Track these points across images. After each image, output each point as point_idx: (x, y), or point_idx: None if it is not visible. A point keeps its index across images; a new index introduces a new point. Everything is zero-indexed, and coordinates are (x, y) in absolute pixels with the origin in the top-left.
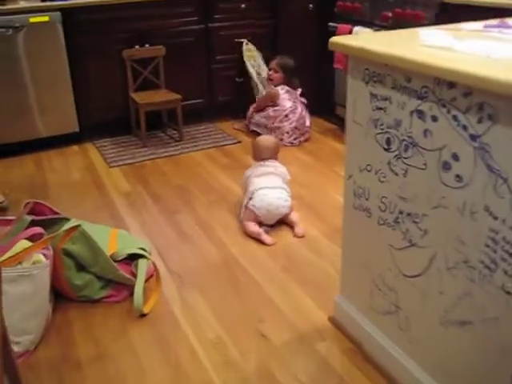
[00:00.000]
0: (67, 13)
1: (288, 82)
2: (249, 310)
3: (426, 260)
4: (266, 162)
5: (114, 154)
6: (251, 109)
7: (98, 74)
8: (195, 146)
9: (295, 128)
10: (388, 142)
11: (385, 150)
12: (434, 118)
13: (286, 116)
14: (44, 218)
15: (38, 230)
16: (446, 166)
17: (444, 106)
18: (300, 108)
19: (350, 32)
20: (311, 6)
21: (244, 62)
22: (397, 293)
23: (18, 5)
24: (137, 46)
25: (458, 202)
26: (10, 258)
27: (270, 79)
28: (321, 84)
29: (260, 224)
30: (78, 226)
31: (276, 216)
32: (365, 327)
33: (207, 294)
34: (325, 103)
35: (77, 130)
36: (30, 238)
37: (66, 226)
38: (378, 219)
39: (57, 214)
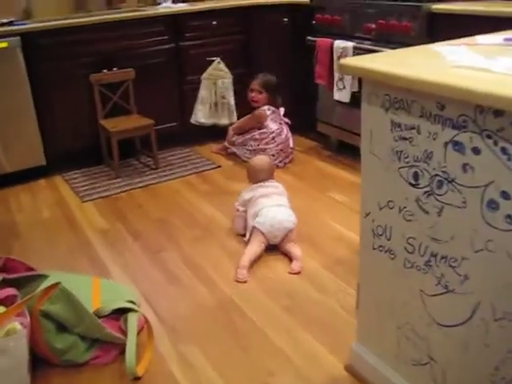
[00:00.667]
0: (28, 37)
1: (272, 101)
2: (254, 363)
3: (467, 309)
4: (266, 183)
5: (85, 187)
6: (231, 131)
7: (64, 101)
8: (172, 173)
9: (281, 150)
10: (416, 176)
11: (411, 185)
12: (476, 151)
13: (273, 139)
14: (17, 276)
15: (11, 291)
16: (493, 206)
17: (489, 137)
18: (285, 129)
19: (331, 46)
20: (286, 19)
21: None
22: (430, 343)
23: None
24: (104, 70)
25: (508, 246)
26: None
27: (253, 101)
28: (300, 100)
29: (266, 248)
30: (58, 283)
31: (281, 231)
32: (391, 379)
33: (206, 346)
34: (305, 120)
35: (43, 163)
36: (2, 302)
37: (44, 284)
38: (405, 262)
39: (31, 269)
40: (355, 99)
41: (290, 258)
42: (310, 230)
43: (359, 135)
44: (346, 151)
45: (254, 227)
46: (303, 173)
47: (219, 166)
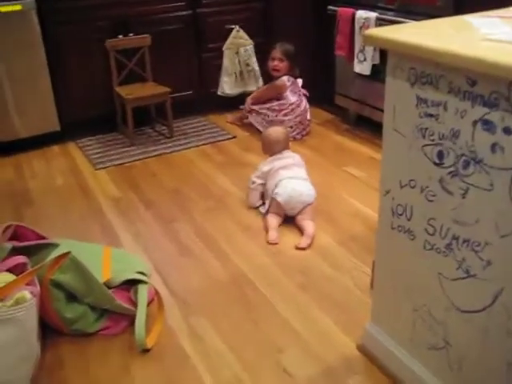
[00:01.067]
0: (42, 0)
1: (292, 70)
2: (266, 339)
3: (488, 295)
4: (284, 154)
5: (99, 155)
6: (249, 100)
7: (79, 66)
8: (187, 142)
9: (299, 122)
10: (440, 155)
11: (435, 164)
12: (508, 131)
13: (292, 110)
14: (27, 244)
15: (21, 259)
16: None
17: None
18: (304, 101)
19: (353, 16)
20: None
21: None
22: (447, 327)
23: None
24: (120, 36)
25: None
26: None
27: (275, 70)
28: (319, 72)
29: (283, 219)
30: (68, 253)
31: (298, 203)
32: (405, 361)
33: (217, 320)
34: (324, 92)
35: (57, 128)
36: (12, 270)
37: (54, 253)
38: (425, 243)
39: (42, 238)
40: (376, 72)
41: (301, 232)
42: (326, 205)
43: (379, 109)
44: (365, 125)
45: (272, 198)
46: (320, 146)
47: (234, 137)
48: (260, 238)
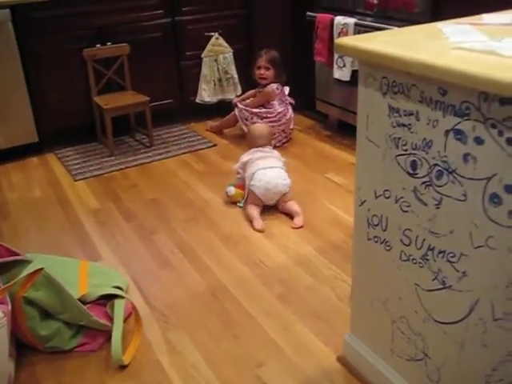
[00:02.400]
0: (18, 10)
1: (278, 77)
2: (245, 353)
3: (464, 306)
4: (264, 148)
5: (78, 165)
6: (237, 100)
7: (57, 76)
8: (167, 151)
9: (282, 131)
10: (414, 165)
11: (409, 174)
12: (479, 141)
13: (278, 120)
14: None
15: None
16: (495, 200)
17: (494, 126)
18: (290, 110)
19: (331, 22)
20: None
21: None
22: (425, 339)
23: None
24: (98, 45)
25: (510, 243)
26: None
27: (262, 78)
28: (300, 78)
29: (262, 210)
30: (41, 269)
31: (275, 195)
32: (384, 373)
33: (196, 334)
34: (304, 98)
35: (36, 139)
36: None
37: (27, 270)
38: (401, 254)
39: (15, 254)
40: (355, 78)
41: (290, 215)
42: (307, 213)
43: None
44: (346, 131)
45: (249, 190)
46: (301, 153)
47: (215, 145)
48: (240, 248)
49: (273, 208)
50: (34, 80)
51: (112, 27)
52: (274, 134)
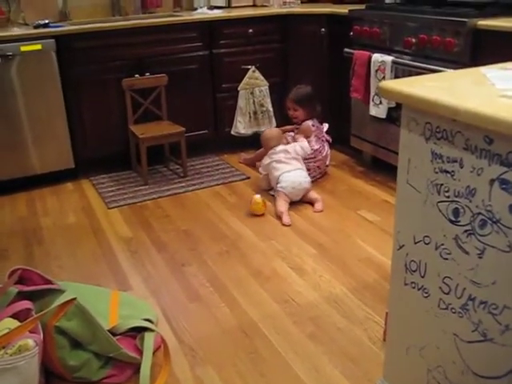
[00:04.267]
0: (62, 40)
1: (311, 113)
2: None
3: (507, 361)
4: (277, 149)
5: (112, 193)
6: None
7: (95, 104)
8: (201, 182)
9: (317, 167)
10: (456, 213)
11: (451, 222)
12: None
13: (314, 157)
14: (33, 289)
15: (26, 304)
16: None
17: None
18: (326, 147)
19: (369, 59)
20: (323, 30)
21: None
22: None
23: (8, 32)
24: (137, 75)
25: None
26: None
27: (292, 117)
28: (335, 113)
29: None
30: (74, 299)
31: (301, 191)
32: None
33: (224, 370)
34: (339, 134)
35: (72, 165)
36: (17, 315)
37: (60, 299)
38: (439, 302)
39: (48, 282)
40: (391, 115)
41: (311, 203)
42: (339, 251)
43: (394, 152)
44: (380, 167)
45: (278, 191)
46: (334, 189)
47: (248, 178)
48: (271, 284)
49: (304, 246)
50: (73, 107)
51: (151, 58)
52: (309, 169)
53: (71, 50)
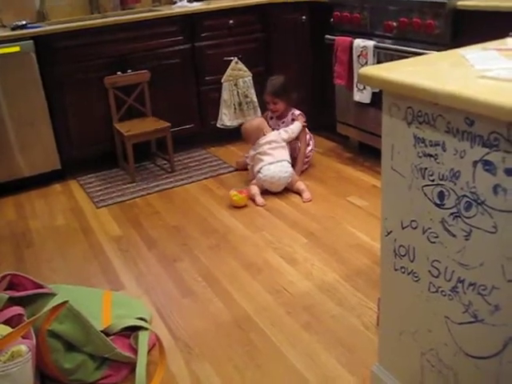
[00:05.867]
0: (41, 41)
1: (289, 103)
2: (270, 383)
3: (498, 341)
4: (261, 140)
5: (100, 192)
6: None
7: (78, 104)
8: (189, 177)
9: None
10: (441, 196)
11: (436, 205)
12: (510, 172)
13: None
14: (24, 294)
15: (17, 310)
16: None
17: None
18: (309, 136)
19: (351, 44)
20: (304, 17)
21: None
22: (457, 373)
23: None
24: (119, 72)
25: None
26: None
27: (272, 111)
28: (319, 100)
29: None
30: (66, 302)
31: (280, 186)
32: None
33: (220, 365)
34: (324, 120)
35: (59, 167)
36: (8, 321)
37: (52, 303)
38: (429, 285)
39: (39, 286)
40: (376, 100)
41: (299, 193)
42: (330, 238)
43: (380, 136)
44: (367, 153)
45: (258, 181)
46: (323, 176)
47: (236, 170)
48: (263, 275)
49: (295, 235)
50: (56, 108)
51: (132, 55)
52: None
53: (51, 50)
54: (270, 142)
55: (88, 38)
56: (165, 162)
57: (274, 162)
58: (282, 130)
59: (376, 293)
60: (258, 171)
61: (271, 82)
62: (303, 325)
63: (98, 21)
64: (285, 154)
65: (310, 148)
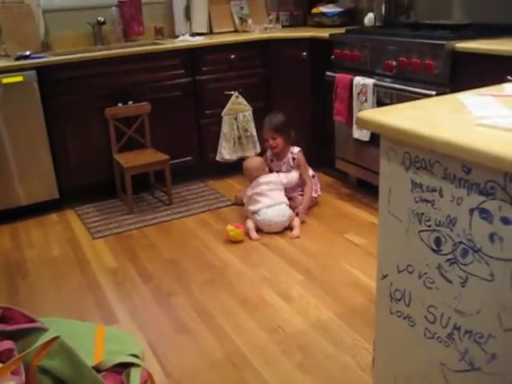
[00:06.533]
0: (43, 71)
1: (288, 140)
2: None
3: None
4: (260, 180)
5: (97, 223)
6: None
7: (79, 134)
8: (187, 210)
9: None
10: (438, 242)
11: (433, 251)
12: (506, 221)
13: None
14: (15, 328)
15: (8, 344)
16: None
17: None
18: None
19: (351, 82)
20: (305, 54)
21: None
22: None
23: None
24: (120, 104)
25: None
26: None
27: (273, 148)
28: (319, 136)
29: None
30: (57, 337)
31: (277, 228)
32: None
33: None
34: (323, 156)
35: (57, 196)
36: None
37: (43, 338)
38: (425, 331)
39: (31, 320)
40: (375, 137)
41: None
42: (327, 276)
43: (378, 174)
44: (366, 189)
45: (254, 220)
46: (321, 212)
47: (234, 204)
48: (258, 312)
49: (291, 272)
50: (56, 138)
51: (134, 86)
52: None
53: (53, 80)
54: (268, 183)
55: (90, 69)
56: (163, 194)
57: (272, 205)
58: (282, 174)
59: (372, 332)
60: (256, 212)
61: (270, 118)
62: (297, 364)
63: (101, 53)
64: (283, 196)
65: (315, 195)
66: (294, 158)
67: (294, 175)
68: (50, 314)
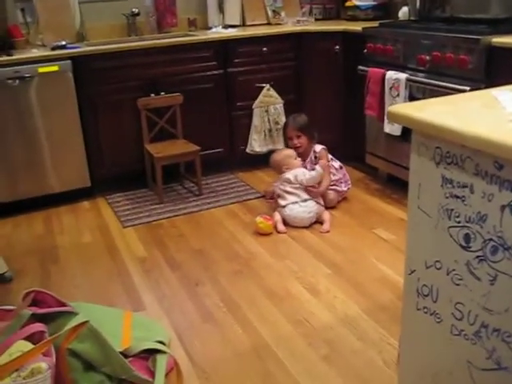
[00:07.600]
0: (78, 61)
1: (312, 140)
2: None
3: None
4: (284, 176)
5: (128, 212)
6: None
7: (111, 124)
8: (216, 201)
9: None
10: (467, 238)
11: (462, 247)
12: None
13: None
14: (46, 311)
15: (39, 327)
16: None
17: None
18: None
19: (383, 76)
20: (337, 47)
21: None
22: None
23: (26, 54)
24: (152, 95)
25: None
26: (4, 365)
27: (297, 147)
28: (349, 131)
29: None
30: (86, 322)
31: (304, 224)
32: None
33: None
34: (354, 151)
35: (88, 184)
36: (30, 338)
37: (73, 322)
38: (452, 328)
39: (62, 304)
40: (406, 132)
41: (321, 222)
42: (354, 271)
43: (409, 169)
44: (395, 185)
45: (280, 209)
46: (350, 207)
47: (263, 196)
48: (285, 305)
49: (319, 266)
50: (89, 127)
51: (166, 77)
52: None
53: (87, 70)
54: (290, 181)
55: (124, 59)
56: (193, 184)
57: (298, 202)
58: (307, 172)
59: (398, 329)
60: (284, 207)
61: (294, 118)
62: (323, 357)
63: (135, 43)
64: (306, 194)
65: (345, 188)
66: (316, 157)
67: (317, 170)
68: (80, 298)
